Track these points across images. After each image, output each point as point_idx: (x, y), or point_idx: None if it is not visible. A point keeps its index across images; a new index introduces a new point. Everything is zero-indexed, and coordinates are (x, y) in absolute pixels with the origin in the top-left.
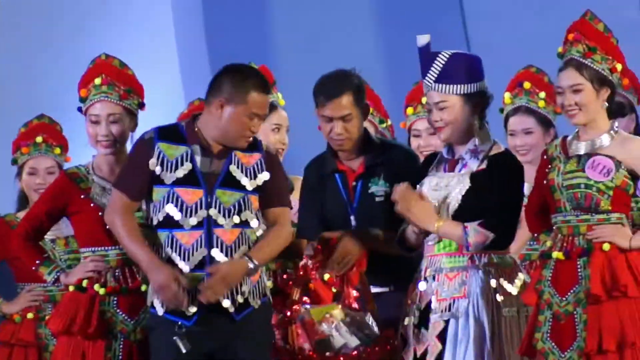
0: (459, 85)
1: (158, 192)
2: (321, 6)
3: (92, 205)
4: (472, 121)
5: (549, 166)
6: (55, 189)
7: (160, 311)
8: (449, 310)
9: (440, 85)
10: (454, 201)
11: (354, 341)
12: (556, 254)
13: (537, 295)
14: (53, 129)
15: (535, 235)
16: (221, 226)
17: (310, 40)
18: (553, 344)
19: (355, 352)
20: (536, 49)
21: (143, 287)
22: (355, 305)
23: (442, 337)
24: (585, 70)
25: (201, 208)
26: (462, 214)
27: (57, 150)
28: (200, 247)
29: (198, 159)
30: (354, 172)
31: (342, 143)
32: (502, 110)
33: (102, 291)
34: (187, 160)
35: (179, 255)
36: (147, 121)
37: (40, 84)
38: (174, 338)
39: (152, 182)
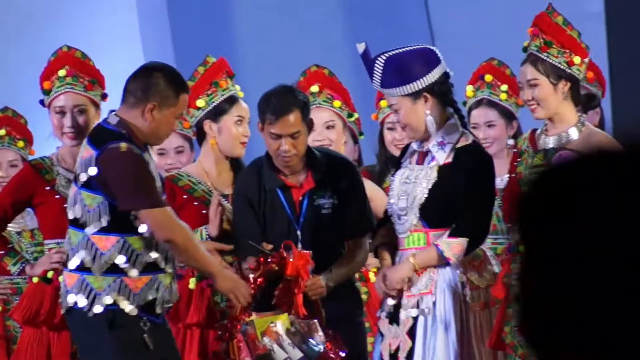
0: (401, 87)
1: None
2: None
3: (57, 196)
4: (434, 115)
5: (518, 159)
6: (20, 180)
7: (129, 309)
8: (418, 306)
9: (385, 89)
10: (420, 195)
11: (296, 354)
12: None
13: (506, 288)
14: (16, 122)
15: (510, 226)
16: None
17: (275, 30)
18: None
19: None
20: (500, 42)
21: None
22: (303, 311)
23: (411, 333)
24: (541, 65)
25: None
26: (428, 208)
27: (21, 144)
28: None
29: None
30: (301, 187)
31: (290, 160)
32: (465, 103)
33: None
34: (154, 170)
35: (165, 259)
36: (111, 108)
37: (3, 78)
38: (144, 336)
39: None
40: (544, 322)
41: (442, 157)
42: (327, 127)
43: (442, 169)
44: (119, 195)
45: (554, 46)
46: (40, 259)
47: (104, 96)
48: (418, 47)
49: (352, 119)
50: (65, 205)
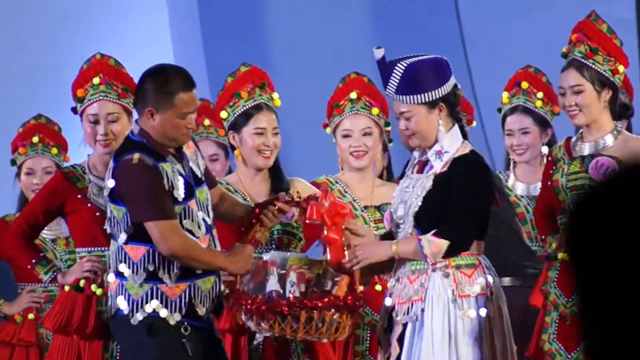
0: (419, 95)
1: (175, 210)
2: (316, 8)
3: (89, 205)
4: (443, 125)
5: (554, 167)
6: (51, 188)
7: (171, 319)
8: (408, 313)
9: (401, 96)
10: (415, 204)
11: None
12: (562, 255)
13: (544, 296)
14: (50, 129)
15: (543, 237)
16: (210, 226)
17: (306, 39)
18: (560, 345)
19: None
20: (532, 48)
21: None
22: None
23: (401, 340)
24: (587, 71)
25: (198, 212)
26: (422, 217)
27: (55, 150)
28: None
29: (179, 168)
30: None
31: None
32: (500, 110)
33: (99, 291)
34: (177, 175)
35: None
36: None
37: (37, 85)
38: (183, 340)
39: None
40: (612, 341)
41: (439, 166)
42: (365, 134)
43: (438, 178)
44: (129, 206)
45: (600, 53)
46: (72, 267)
47: None
48: (434, 56)
49: (388, 128)
50: (97, 214)
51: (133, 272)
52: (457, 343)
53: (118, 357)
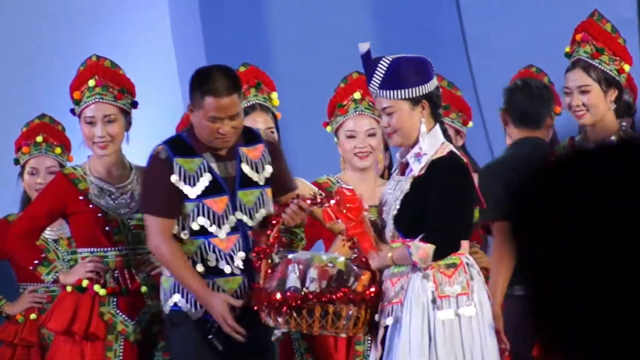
0: (403, 90)
1: (186, 206)
2: (317, 7)
3: (90, 206)
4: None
5: None
6: (54, 189)
7: (194, 315)
8: (389, 315)
9: (385, 91)
10: (394, 207)
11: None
12: None
13: None
14: (54, 129)
15: None
16: (251, 227)
17: (307, 38)
18: None
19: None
20: (532, 48)
21: (143, 289)
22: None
23: (384, 342)
24: (593, 71)
25: (231, 213)
26: (400, 220)
27: (58, 150)
28: (239, 251)
29: (214, 166)
30: None
31: None
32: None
33: (102, 292)
34: (205, 171)
35: (218, 259)
36: (145, 119)
37: (41, 85)
38: (209, 337)
39: (180, 198)
40: (562, 327)
41: (417, 168)
42: (369, 135)
43: (416, 181)
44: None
45: (605, 53)
46: (74, 267)
47: (134, 104)
48: (417, 55)
49: None
50: (99, 215)
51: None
52: (437, 344)
53: (121, 358)
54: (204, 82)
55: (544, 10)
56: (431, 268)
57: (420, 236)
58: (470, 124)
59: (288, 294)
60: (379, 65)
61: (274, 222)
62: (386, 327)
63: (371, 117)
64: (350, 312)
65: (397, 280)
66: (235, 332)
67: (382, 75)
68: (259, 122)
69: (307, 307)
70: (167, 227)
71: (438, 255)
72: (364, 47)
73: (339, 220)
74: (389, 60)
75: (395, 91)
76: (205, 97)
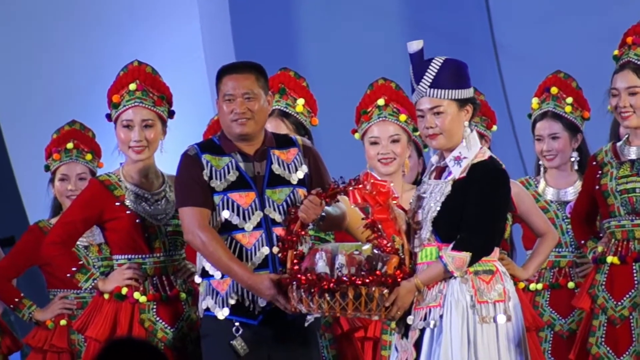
0: (455, 91)
1: (213, 199)
2: (348, 11)
3: (128, 212)
4: (466, 127)
5: (600, 172)
6: (89, 196)
7: (220, 314)
8: (425, 319)
9: (436, 90)
10: (433, 209)
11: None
12: (611, 259)
13: (591, 299)
14: (84, 135)
15: (583, 242)
16: (279, 224)
17: (337, 43)
18: (608, 348)
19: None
20: (562, 54)
21: (182, 295)
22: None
23: (418, 345)
24: None
25: (257, 209)
26: (440, 222)
27: (89, 157)
28: (262, 246)
29: (242, 165)
30: None
31: None
32: (530, 116)
33: (142, 299)
34: (233, 169)
35: (240, 256)
36: (175, 123)
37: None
38: (231, 342)
39: (210, 191)
40: None
41: (458, 171)
42: (393, 141)
43: (456, 184)
44: None
45: None
46: (112, 274)
47: (171, 113)
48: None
49: (417, 133)
50: (137, 221)
51: (198, 270)
52: (476, 349)
53: None
54: (223, 67)
55: (574, 17)
56: (469, 273)
57: (451, 245)
58: (495, 127)
59: (323, 277)
60: (432, 64)
61: (292, 214)
62: (422, 330)
63: (395, 124)
64: (384, 293)
65: (434, 284)
66: (291, 310)
67: (434, 75)
68: (271, 127)
69: (341, 289)
70: (204, 217)
71: (476, 260)
72: (415, 45)
73: (364, 203)
74: (441, 60)
75: (447, 91)
76: (222, 78)
